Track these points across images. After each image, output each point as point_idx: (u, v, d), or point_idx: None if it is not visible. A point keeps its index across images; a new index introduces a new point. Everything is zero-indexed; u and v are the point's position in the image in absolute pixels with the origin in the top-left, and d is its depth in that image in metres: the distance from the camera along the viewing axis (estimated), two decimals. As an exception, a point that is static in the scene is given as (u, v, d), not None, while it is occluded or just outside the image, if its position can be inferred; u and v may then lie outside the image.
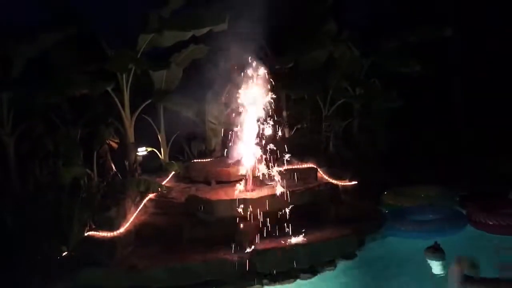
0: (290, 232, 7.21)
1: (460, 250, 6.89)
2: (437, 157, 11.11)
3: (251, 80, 8.41)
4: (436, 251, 6.65)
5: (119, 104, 9.49)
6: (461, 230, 8.05)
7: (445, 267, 6.46)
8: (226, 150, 9.11)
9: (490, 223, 7.84)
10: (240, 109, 8.44)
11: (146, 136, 10.25)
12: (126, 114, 9.64)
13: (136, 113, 9.79)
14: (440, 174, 10.03)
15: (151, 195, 8.33)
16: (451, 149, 11.54)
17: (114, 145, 9.84)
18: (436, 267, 6.58)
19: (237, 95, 8.41)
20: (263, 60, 10.56)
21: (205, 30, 9.17)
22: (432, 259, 6.62)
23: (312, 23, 11.12)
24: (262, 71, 8.46)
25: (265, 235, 7.19)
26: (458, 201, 9.28)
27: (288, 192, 7.89)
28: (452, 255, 6.67)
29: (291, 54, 10.78)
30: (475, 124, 11.92)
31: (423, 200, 9.27)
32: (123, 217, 7.63)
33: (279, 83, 10.92)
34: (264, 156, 8.68)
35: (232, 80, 8.45)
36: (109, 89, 9.18)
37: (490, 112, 11.70)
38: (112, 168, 9.69)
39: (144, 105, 9.83)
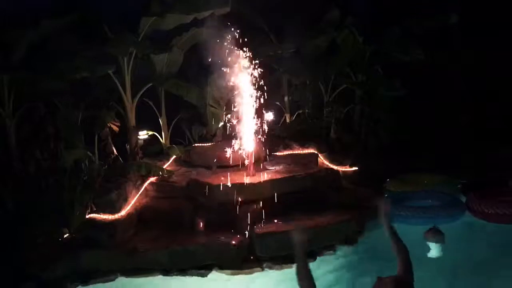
0: (290, 217, 7.25)
1: (456, 237, 7.03)
2: (440, 145, 11.11)
3: (252, 65, 8.39)
4: (436, 234, 6.74)
5: (120, 88, 9.47)
6: (459, 217, 8.10)
7: (443, 250, 6.56)
8: (227, 134, 9.12)
9: (487, 211, 7.88)
10: (241, 95, 8.43)
11: (147, 120, 10.25)
12: (127, 97, 9.62)
13: (137, 97, 9.76)
14: (443, 162, 10.04)
15: (152, 179, 8.37)
16: (453, 137, 11.53)
17: (116, 128, 9.83)
18: (434, 249, 6.67)
19: (238, 80, 8.40)
20: (266, 45, 10.57)
21: (207, 13, 9.09)
22: (431, 241, 6.71)
23: (315, 9, 11.05)
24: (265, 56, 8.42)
25: (265, 220, 7.25)
26: (460, 188, 9.31)
27: (288, 177, 7.93)
28: (449, 241, 6.81)
29: (293, 39, 10.71)
30: (479, 112, 11.89)
31: (426, 188, 9.30)
32: (124, 200, 7.67)
33: (281, 68, 10.94)
34: (265, 141, 8.71)
35: (233, 64, 8.41)
36: (110, 72, 9.13)
37: (494, 101, 11.64)
38: (113, 151, 9.69)
39: (145, 88, 9.81)
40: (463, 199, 8.62)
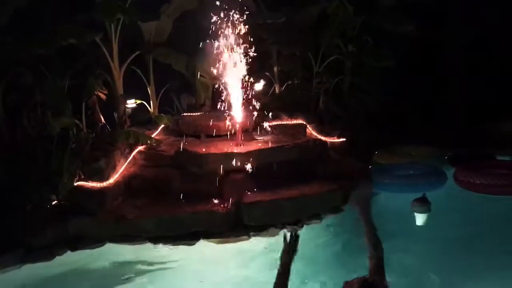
0: (277, 186, 7.34)
1: (440, 205, 7.22)
2: (428, 120, 11.22)
3: (241, 33, 8.32)
4: (422, 203, 6.91)
5: (107, 55, 9.34)
6: (440, 186, 8.32)
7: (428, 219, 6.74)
8: (215, 104, 9.10)
9: (473, 181, 8.07)
10: (230, 64, 8.38)
11: (135, 89, 10.17)
12: (115, 65, 9.51)
13: (125, 65, 9.66)
14: (431, 136, 10.16)
15: (140, 147, 8.35)
16: (443, 111, 11.64)
17: (103, 96, 9.73)
18: (420, 218, 6.85)
19: (227, 49, 8.34)
20: (255, 14, 10.44)
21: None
22: (417, 211, 6.89)
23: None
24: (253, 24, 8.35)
25: (252, 189, 7.33)
26: (446, 160, 9.45)
27: (276, 147, 7.97)
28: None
29: (283, 9, 10.60)
30: (471, 87, 11.97)
31: (413, 159, 9.45)
32: (113, 168, 7.68)
33: (270, 38, 10.83)
34: (254, 111, 8.71)
35: (222, 33, 8.33)
36: (97, 39, 9.00)
37: (487, 76, 11.70)
38: (101, 119, 9.62)
39: (133, 56, 9.70)
40: (451, 170, 8.79)
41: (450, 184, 8.49)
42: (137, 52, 9.73)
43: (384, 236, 4.17)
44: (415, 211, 7.06)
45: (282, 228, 6.75)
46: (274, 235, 6.64)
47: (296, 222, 6.89)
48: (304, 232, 6.36)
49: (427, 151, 9.81)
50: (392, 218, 6.85)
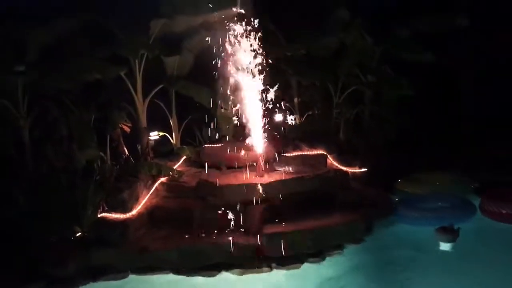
0: (299, 217, 7.31)
1: (467, 238, 7.01)
2: (447, 146, 11.09)
3: (262, 67, 8.46)
4: (446, 232, 6.77)
5: (131, 89, 9.61)
6: (470, 218, 8.03)
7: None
8: (237, 136, 9.20)
9: (502, 212, 7.83)
10: (251, 96, 8.51)
11: (158, 121, 10.36)
12: (138, 98, 9.76)
13: (149, 98, 9.90)
14: (450, 163, 10.01)
15: (162, 179, 8.47)
16: (460, 138, 11.51)
17: (127, 129, 9.96)
18: (445, 247, 6.71)
19: (248, 81, 8.48)
20: (275, 46, 10.62)
21: (216, 15, 9.17)
22: (443, 241, 6.74)
23: (325, 9, 11.08)
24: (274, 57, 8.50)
25: (274, 220, 7.31)
26: (472, 189, 9.26)
27: (297, 177, 7.97)
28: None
29: (303, 40, 10.77)
30: (486, 113, 11.85)
31: (438, 188, 9.27)
32: (135, 200, 7.79)
33: (290, 69, 10.97)
34: (274, 142, 8.76)
35: (243, 67, 8.49)
36: (122, 74, 9.28)
37: (501, 102, 11.59)
38: (124, 151, 9.82)
39: (156, 90, 9.93)
40: (476, 200, 8.54)
41: (477, 215, 8.25)
42: (160, 86, 9.96)
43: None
44: (439, 240, 6.94)
45: (304, 260, 6.67)
46: (296, 267, 6.57)
47: (318, 254, 6.81)
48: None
49: (451, 178, 9.59)
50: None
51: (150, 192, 8.19)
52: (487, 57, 11.87)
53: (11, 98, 8.46)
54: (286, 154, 9.23)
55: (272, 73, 8.80)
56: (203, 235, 7.13)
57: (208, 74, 9.90)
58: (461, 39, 11.98)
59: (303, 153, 9.50)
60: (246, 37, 8.55)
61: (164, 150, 10.26)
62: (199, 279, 6.51)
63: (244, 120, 8.78)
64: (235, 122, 9.43)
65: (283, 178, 7.99)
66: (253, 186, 7.60)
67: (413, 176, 9.76)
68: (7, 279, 6.32)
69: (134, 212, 7.54)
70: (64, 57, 8.91)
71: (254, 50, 8.56)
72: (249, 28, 8.62)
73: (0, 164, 8.13)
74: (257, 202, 7.45)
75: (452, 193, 8.86)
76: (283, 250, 6.80)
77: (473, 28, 10.88)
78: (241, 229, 7.09)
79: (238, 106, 8.89)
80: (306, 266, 6.58)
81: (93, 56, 9.08)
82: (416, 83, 10.64)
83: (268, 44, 9.00)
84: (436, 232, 7.00)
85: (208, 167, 9.01)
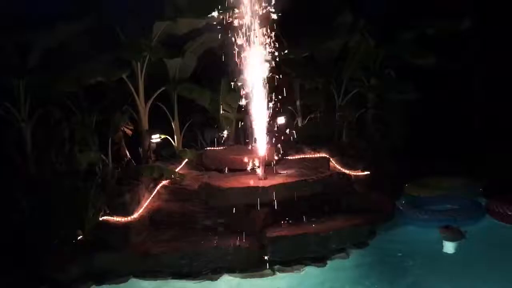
0: (301, 221, 7.26)
1: (476, 239, 6.96)
2: (452, 150, 11.01)
3: (265, 69, 8.42)
4: (451, 232, 6.72)
5: (133, 92, 9.58)
6: (478, 220, 8.03)
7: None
8: (239, 138, 9.16)
9: (506, 212, 7.83)
10: (253, 98, 8.46)
11: (160, 124, 10.33)
12: (140, 101, 9.74)
13: (151, 101, 9.87)
14: (457, 166, 9.94)
15: (164, 182, 8.44)
16: (466, 142, 11.43)
17: (129, 132, 9.95)
18: (449, 247, 6.66)
19: (251, 84, 8.43)
20: (278, 49, 10.58)
21: (219, 17, 9.14)
22: (447, 240, 6.70)
23: (328, 12, 11.05)
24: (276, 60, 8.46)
25: (276, 223, 7.27)
26: (481, 192, 9.20)
27: (299, 180, 7.93)
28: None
29: (306, 43, 10.74)
30: (493, 118, 11.77)
31: (446, 191, 9.21)
32: (137, 203, 7.76)
33: (293, 72, 10.95)
34: (277, 145, 8.72)
35: (246, 68, 8.45)
36: (124, 76, 9.25)
37: (508, 106, 11.52)
38: (126, 154, 9.81)
39: (158, 92, 9.90)
40: (484, 202, 8.55)
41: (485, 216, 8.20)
42: (163, 88, 9.94)
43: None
44: (444, 239, 6.90)
45: (306, 264, 6.63)
46: (299, 271, 6.52)
47: (322, 258, 6.76)
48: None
49: (460, 182, 9.52)
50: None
51: (152, 195, 8.17)
52: (492, 61, 11.79)
53: (14, 100, 8.45)
54: (289, 157, 9.18)
55: (275, 76, 8.75)
56: (205, 238, 7.07)
57: (210, 76, 9.92)
58: (466, 43, 11.91)
59: (306, 156, 9.47)
60: (249, 40, 8.50)
61: (166, 153, 10.23)
62: (201, 283, 6.47)
63: (245, 123, 8.74)
64: (237, 124, 9.41)
65: (286, 181, 7.94)
66: (255, 189, 7.55)
67: (421, 180, 9.71)
68: (9, 283, 6.27)
69: (135, 215, 7.51)
70: (67, 60, 8.90)
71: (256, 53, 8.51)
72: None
73: (2, 167, 8.10)
74: (259, 205, 7.40)
75: (460, 195, 8.83)
76: (286, 253, 6.77)
77: (478, 32, 10.84)
78: (244, 232, 7.04)
79: (242, 108, 8.85)
80: (309, 270, 6.53)
81: (96, 59, 9.06)
82: (420, 87, 10.60)
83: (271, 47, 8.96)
84: (439, 231, 6.97)
85: (210, 170, 8.97)
